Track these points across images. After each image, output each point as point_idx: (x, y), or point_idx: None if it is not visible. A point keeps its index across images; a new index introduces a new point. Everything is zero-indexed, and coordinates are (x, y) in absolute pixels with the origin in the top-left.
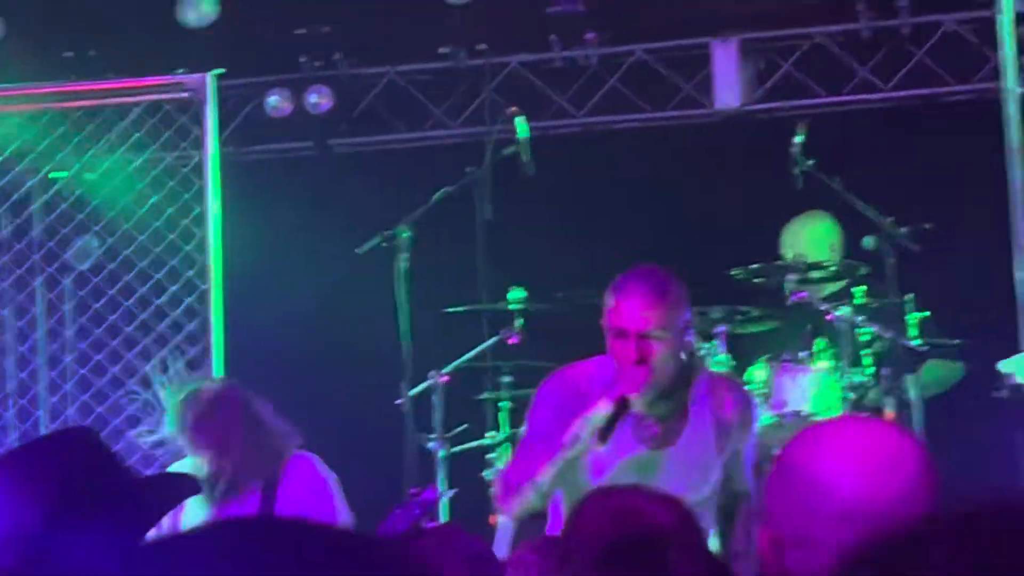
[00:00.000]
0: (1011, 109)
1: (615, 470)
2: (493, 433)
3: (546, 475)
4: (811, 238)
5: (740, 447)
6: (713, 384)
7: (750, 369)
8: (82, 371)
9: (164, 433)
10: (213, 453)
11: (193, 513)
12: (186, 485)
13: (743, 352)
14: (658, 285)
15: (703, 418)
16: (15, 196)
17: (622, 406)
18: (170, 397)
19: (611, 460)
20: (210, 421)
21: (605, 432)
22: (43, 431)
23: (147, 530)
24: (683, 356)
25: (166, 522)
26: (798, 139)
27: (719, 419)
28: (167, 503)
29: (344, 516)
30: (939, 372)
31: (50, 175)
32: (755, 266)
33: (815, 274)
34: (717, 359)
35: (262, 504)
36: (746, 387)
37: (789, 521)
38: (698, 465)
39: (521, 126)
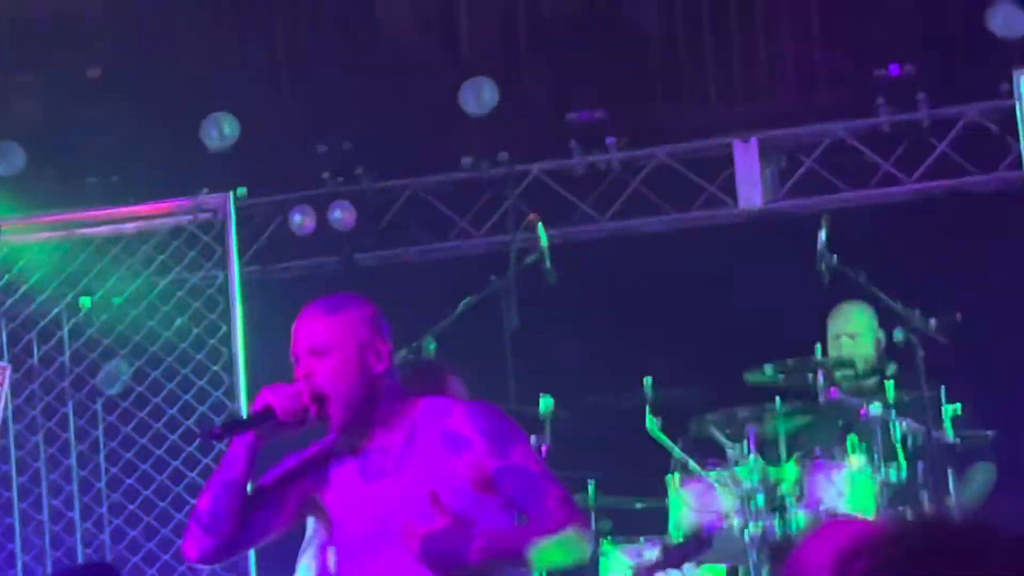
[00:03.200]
0: None
1: (341, 511)
2: None
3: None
4: (859, 318)
5: (501, 465)
6: (440, 404)
7: (783, 467)
8: (115, 495)
9: None
10: None
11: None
12: None
13: (774, 451)
14: (331, 301)
15: (428, 440)
16: (42, 323)
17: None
18: None
19: (336, 502)
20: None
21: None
22: (78, 558)
23: None
24: (381, 380)
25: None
26: (822, 235)
27: (448, 435)
28: None
29: None
30: (986, 477)
31: (78, 301)
32: (788, 361)
33: (847, 371)
34: (750, 459)
35: None
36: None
37: None
38: (428, 492)
39: (542, 233)
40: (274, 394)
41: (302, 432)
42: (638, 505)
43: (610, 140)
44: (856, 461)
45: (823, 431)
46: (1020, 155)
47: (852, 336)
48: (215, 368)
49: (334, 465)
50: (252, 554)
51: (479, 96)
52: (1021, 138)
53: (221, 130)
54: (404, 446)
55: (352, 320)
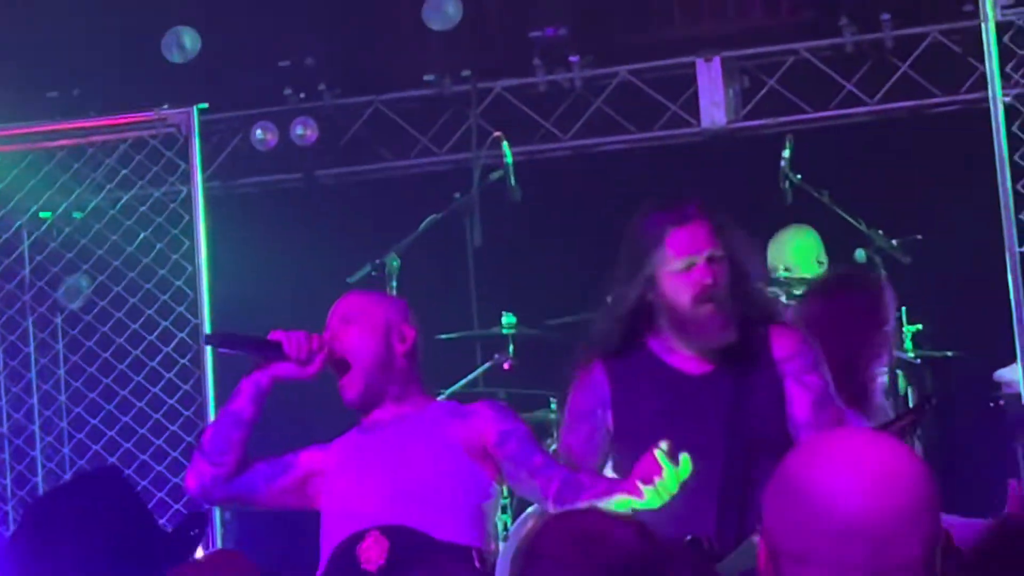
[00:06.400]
0: (998, 118)
1: (340, 471)
2: None
3: None
4: (796, 251)
5: (507, 428)
6: (454, 402)
7: None
8: (77, 409)
9: None
10: None
11: None
12: (199, 531)
13: None
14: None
15: (436, 416)
16: (3, 237)
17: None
18: None
19: (339, 469)
20: None
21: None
22: (39, 471)
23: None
24: (400, 361)
25: None
26: (786, 154)
27: (455, 410)
28: (190, 549)
29: None
30: None
31: (39, 215)
32: None
33: (799, 289)
34: None
35: None
36: None
37: (787, 536)
38: (421, 448)
39: (506, 150)
40: (286, 333)
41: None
42: None
43: (573, 58)
44: None
45: None
46: (984, 76)
47: (788, 270)
48: (178, 283)
49: (344, 442)
50: None
51: (442, 12)
52: (985, 59)
53: (183, 44)
54: (409, 418)
55: (383, 302)
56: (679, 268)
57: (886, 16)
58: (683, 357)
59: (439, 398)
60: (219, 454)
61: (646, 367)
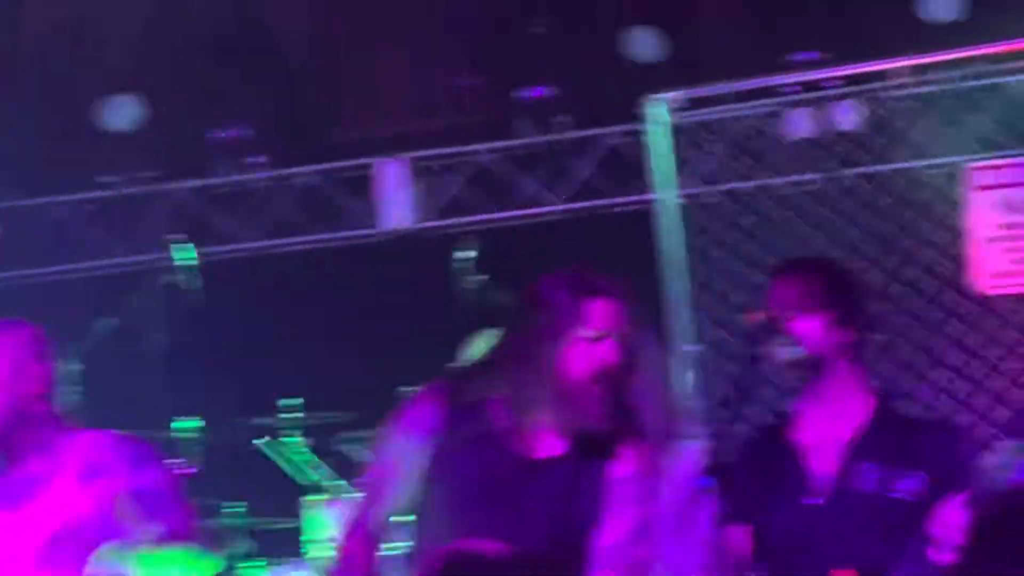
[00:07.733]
0: (666, 219)
1: None
2: None
3: None
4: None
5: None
6: (94, 436)
7: None
8: None
9: None
10: None
11: None
12: None
13: None
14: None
15: (69, 473)
16: None
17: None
18: None
19: None
20: None
21: None
22: None
23: None
24: (33, 404)
25: None
26: (465, 255)
27: (89, 466)
28: None
29: None
30: None
31: None
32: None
33: None
34: None
35: None
36: None
37: None
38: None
39: (184, 253)
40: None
41: None
42: (281, 526)
43: (258, 160)
44: None
45: None
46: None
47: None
48: None
49: None
50: None
51: (121, 113)
52: (651, 163)
53: None
54: (46, 478)
55: (4, 343)
56: (588, 338)
57: (563, 118)
58: (526, 438)
59: None
60: None
61: (484, 436)
